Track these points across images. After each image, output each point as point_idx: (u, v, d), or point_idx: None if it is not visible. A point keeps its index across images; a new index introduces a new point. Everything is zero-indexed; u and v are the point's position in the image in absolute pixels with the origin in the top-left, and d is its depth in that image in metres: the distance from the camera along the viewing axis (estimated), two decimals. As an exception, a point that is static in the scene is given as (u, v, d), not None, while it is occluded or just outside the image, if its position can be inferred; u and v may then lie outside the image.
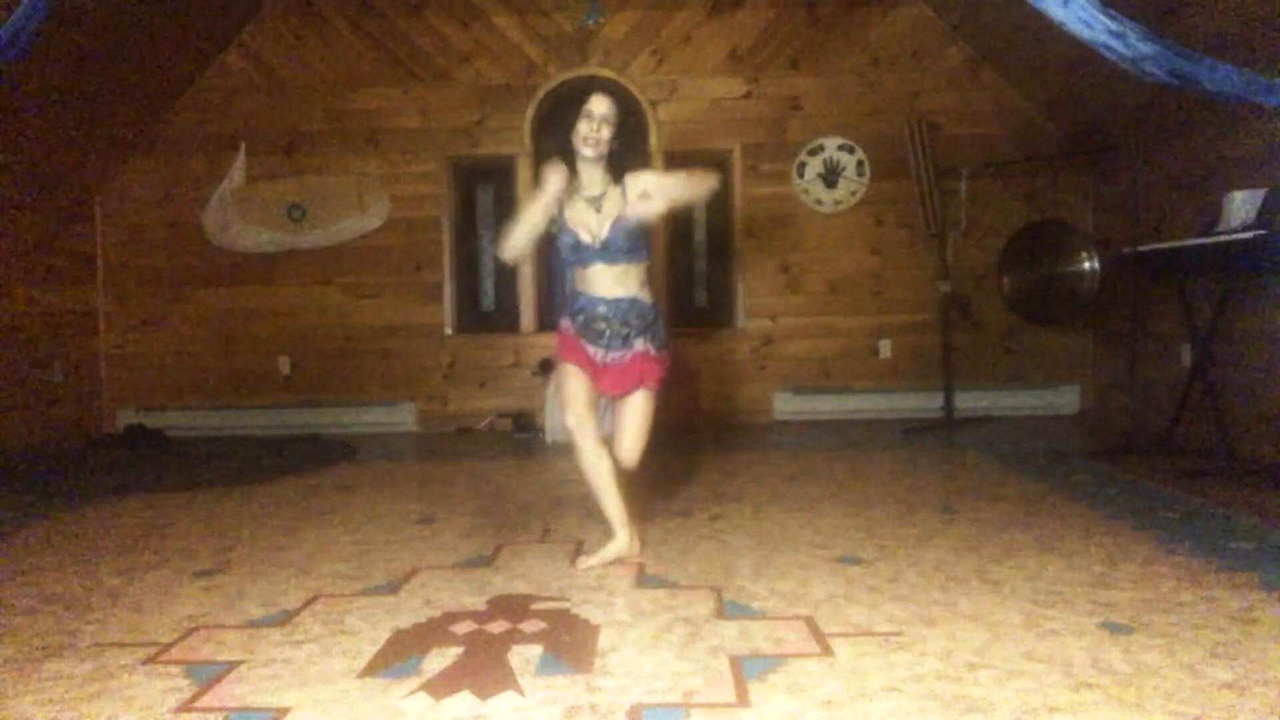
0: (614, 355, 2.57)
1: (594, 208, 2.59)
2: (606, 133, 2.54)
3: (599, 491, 2.54)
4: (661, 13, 5.60)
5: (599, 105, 2.54)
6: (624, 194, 2.58)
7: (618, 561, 2.52)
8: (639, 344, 2.58)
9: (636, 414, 2.60)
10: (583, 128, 2.53)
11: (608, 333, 2.56)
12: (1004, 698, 1.60)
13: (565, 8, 5.55)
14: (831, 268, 5.65)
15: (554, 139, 2.64)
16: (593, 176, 2.60)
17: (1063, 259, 5.07)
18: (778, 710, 1.58)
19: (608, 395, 2.63)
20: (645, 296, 2.60)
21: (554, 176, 2.48)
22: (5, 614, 2.22)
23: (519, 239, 2.57)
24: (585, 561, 2.50)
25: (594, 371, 2.58)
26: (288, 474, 4.15)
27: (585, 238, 2.56)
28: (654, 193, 2.54)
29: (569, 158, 2.57)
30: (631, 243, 2.55)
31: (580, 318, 2.59)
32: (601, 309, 2.57)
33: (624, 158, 2.64)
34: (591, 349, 2.58)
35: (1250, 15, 3.54)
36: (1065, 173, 5.49)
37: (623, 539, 2.54)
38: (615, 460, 2.56)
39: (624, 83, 5.56)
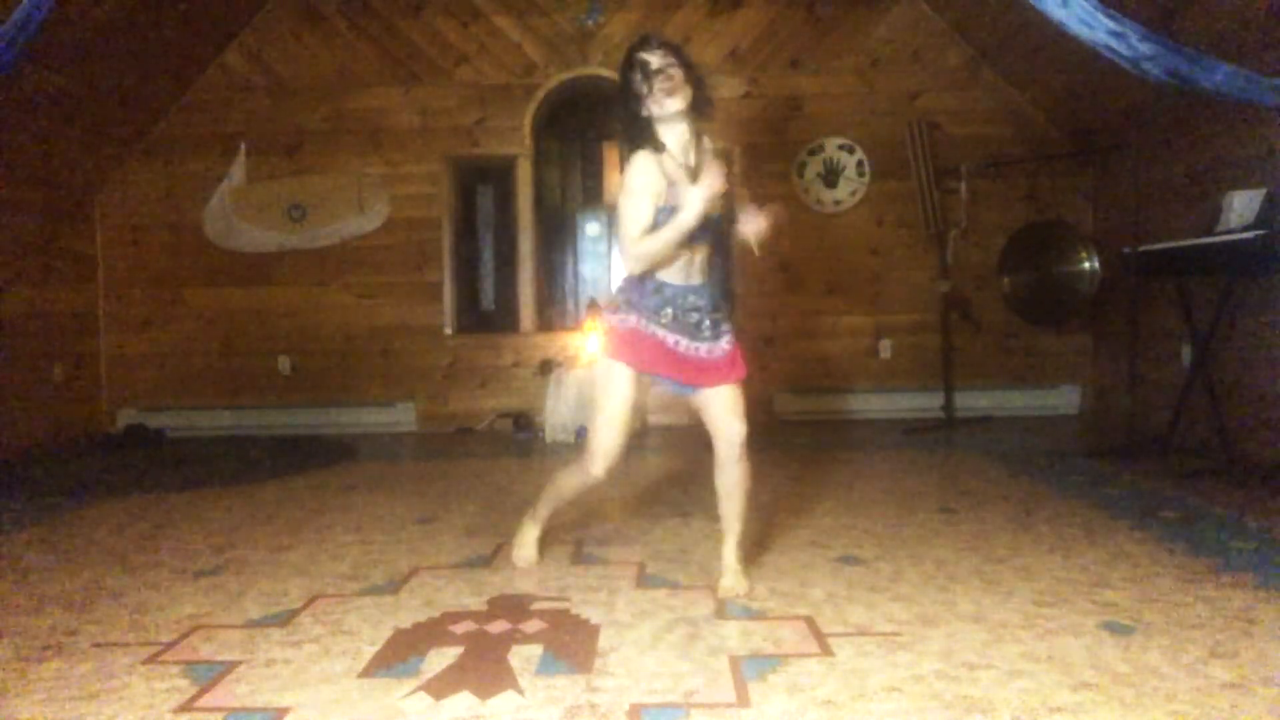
0: (707, 346, 2.28)
1: (690, 177, 2.20)
2: (679, 75, 2.15)
3: (551, 500, 2.51)
4: (661, 13, 5.60)
5: (654, 56, 2.17)
6: (703, 152, 2.26)
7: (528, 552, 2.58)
8: (728, 338, 2.32)
9: (735, 408, 2.27)
10: (657, 85, 2.15)
11: (706, 323, 2.28)
12: (1004, 698, 1.60)
13: (565, 8, 5.55)
14: (831, 268, 5.65)
15: (619, 122, 2.24)
16: (683, 137, 2.22)
17: (1063, 259, 5.07)
18: (778, 710, 1.58)
19: (697, 386, 2.30)
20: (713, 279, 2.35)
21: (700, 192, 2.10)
22: (5, 614, 2.22)
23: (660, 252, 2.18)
24: (527, 561, 2.55)
25: (675, 366, 2.27)
26: (288, 474, 4.15)
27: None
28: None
29: (651, 140, 2.20)
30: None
31: (668, 310, 2.25)
32: (692, 298, 2.26)
33: (703, 100, 2.22)
34: (685, 343, 2.26)
35: (1250, 15, 3.54)
36: (1065, 173, 5.49)
37: (530, 540, 2.59)
38: (729, 445, 2.27)
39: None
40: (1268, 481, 3.36)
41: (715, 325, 2.30)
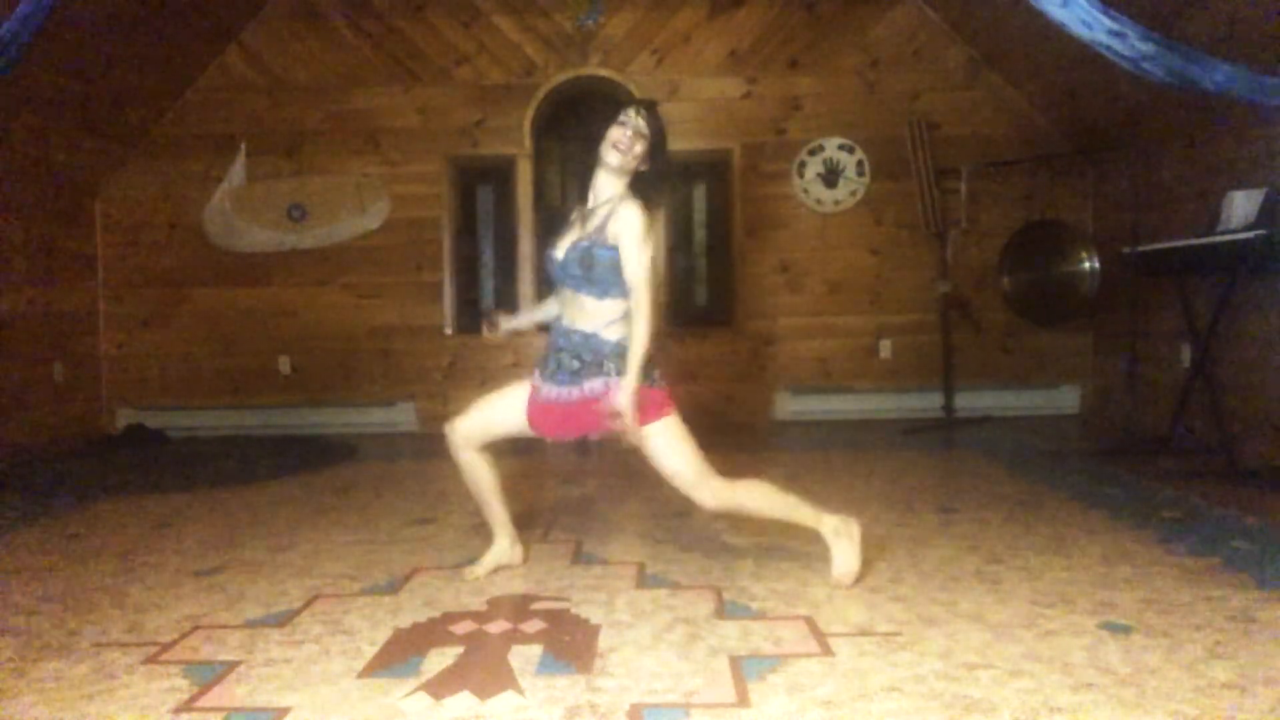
0: (558, 392, 2.31)
1: (581, 222, 2.35)
2: (640, 148, 2.30)
3: (478, 501, 2.49)
4: (661, 13, 5.60)
5: (636, 117, 2.32)
6: (606, 218, 2.28)
7: (501, 568, 2.49)
8: (595, 384, 2.27)
9: (655, 455, 2.31)
10: (614, 133, 2.30)
11: (551, 364, 2.33)
12: (1004, 698, 1.60)
13: (565, 8, 5.55)
14: (831, 268, 5.64)
15: (580, 146, 2.48)
16: (603, 188, 2.34)
17: (1063, 259, 5.07)
18: (778, 710, 1.58)
19: (547, 437, 2.40)
20: (609, 335, 2.30)
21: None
22: (5, 614, 2.22)
23: None
24: (472, 571, 2.45)
25: (531, 407, 2.36)
26: (288, 474, 4.15)
27: (555, 250, 2.37)
28: (621, 241, 2.26)
29: (590, 171, 2.37)
30: (587, 271, 2.27)
31: (547, 349, 2.39)
32: (558, 340, 2.36)
33: (652, 188, 2.37)
34: (539, 382, 2.36)
35: (1250, 15, 3.54)
36: (1065, 173, 5.49)
37: (502, 548, 2.51)
38: (696, 502, 2.34)
39: (624, 82, 5.56)
40: (1268, 481, 3.36)
41: (564, 371, 2.31)
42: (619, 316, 2.31)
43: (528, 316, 2.71)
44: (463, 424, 2.39)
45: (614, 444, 4.66)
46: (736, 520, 3.01)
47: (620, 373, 2.24)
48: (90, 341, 5.59)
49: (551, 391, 2.32)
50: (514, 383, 2.47)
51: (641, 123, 2.32)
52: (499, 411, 2.41)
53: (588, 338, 2.31)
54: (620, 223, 2.25)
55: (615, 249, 2.25)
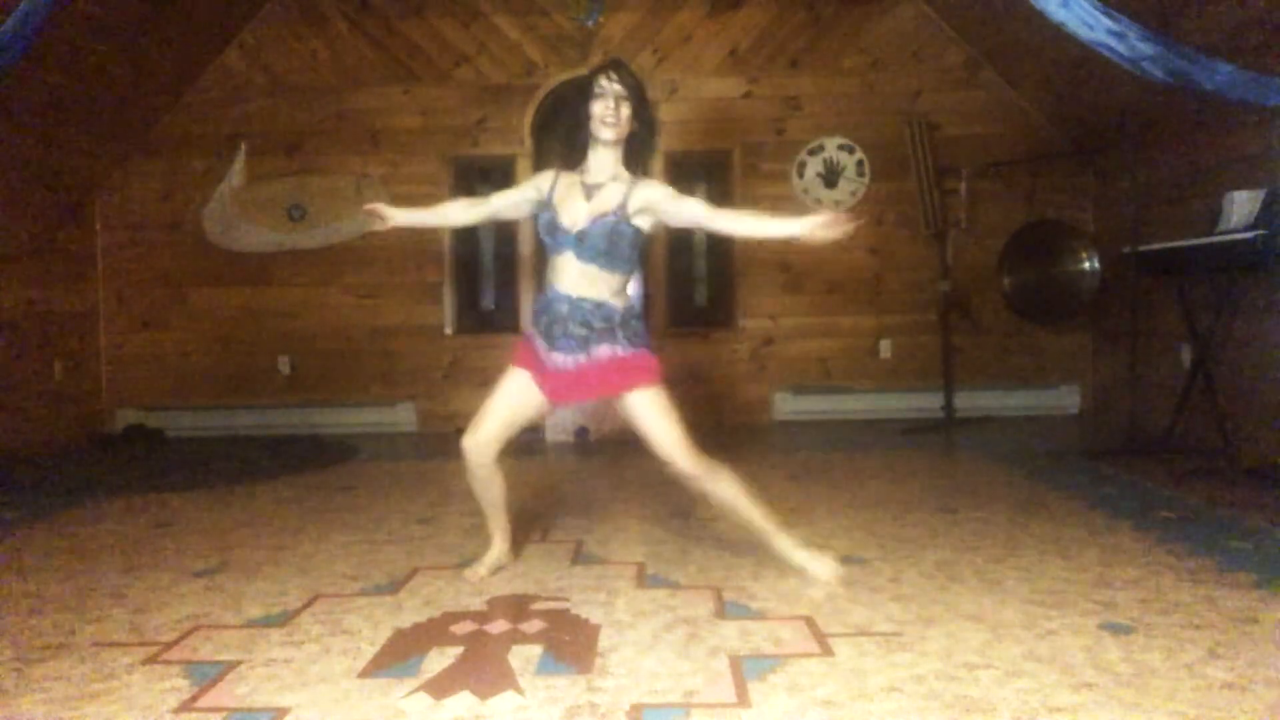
0: (569, 360, 2.32)
1: (585, 195, 2.34)
2: (626, 111, 2.30)
3: (486, 509, 2.51)
4: (661, 13, 5.60)
5: (611, 83, 2.30)
6: (626, 196, 2.31)
7: (501, 568, 2.51)
8: (602, 349, 2.30)
9: (646, 418, 2.29)
10: (598, 108, 2.29)
11: (560, 335, 2.31)
12: (1004, 698, 1.60)
13: (565, 8, 5.54)
14: (831, 268, 5.64)
15: (561, 132, 2.43)
16: (602, 163, 2.35)
17: (1063, 259, 5.07)
18: (778, 710, 1.58)
19: (560, 403, 2.42)
20: (616, 302, 2.34)
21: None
22: (5, 614, 2.22)
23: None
24: (475, 572, 2.46)
25: (542, 378, 2.37)
26: (288, 474, 4.15)
27: (564, 220, 2.33)
28: (661, 208, 2.32)
29: (579, 151, 2.37)
30: (612, 247, 2.29)
31: (543, 318, 2.36)
32: (563, 308, 2.31)
33: (647, 145, 2.40)
34: (545, 351, 2.35)
35: (1250, 15, 3.54)
36: (1065, 173, 5.49)
37: (502, 550, 2.53)
38: (681, 479, 2.34)
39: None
40: (1268, 481, 3.36)
41: (570, 338, 2.30)
42: (622, 286, 2.37)
43: (417, 217, 2.72)
44: (481, 437, 2.38)
45: (614, 439, 4.66)
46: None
47: (630, 339, 2.31)
48: (90, 341, 5.59)
49: (558, 358, 2.33)
50: (504, 378, 2.43)
51: (618, 86, 2.31)
52: (510, 408, 2.40)
53: (599, 305, 2.31)
54: (647, 197, 2.31)
55: (636, 228, 2.32)
